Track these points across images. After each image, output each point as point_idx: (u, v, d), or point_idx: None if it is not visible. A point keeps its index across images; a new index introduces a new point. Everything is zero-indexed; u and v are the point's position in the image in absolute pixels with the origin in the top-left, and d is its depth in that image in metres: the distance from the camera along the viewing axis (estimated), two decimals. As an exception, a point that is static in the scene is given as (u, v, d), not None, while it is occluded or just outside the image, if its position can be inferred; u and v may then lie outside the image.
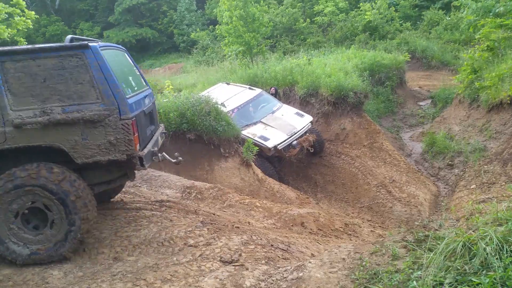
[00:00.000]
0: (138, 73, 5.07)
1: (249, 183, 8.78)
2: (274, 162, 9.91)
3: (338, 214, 8.41)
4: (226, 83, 12.22)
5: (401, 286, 2.63)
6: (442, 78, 16.81)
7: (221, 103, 10.09)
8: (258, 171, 9.39)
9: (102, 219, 4.57)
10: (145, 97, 4.61)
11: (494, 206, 3.09)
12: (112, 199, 5.55)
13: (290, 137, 9.41)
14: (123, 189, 6.82)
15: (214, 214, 5.73)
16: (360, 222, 7.60)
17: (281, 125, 9.73)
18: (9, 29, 11.20)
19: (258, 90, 10.99)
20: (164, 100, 8.90)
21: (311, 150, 9.94)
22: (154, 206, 5.60)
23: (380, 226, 7.75)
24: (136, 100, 4.10)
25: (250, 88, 11.15)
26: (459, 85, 11.96)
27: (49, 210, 3.56)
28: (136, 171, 4.64)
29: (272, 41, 22.07)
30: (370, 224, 7.66)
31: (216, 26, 19.19)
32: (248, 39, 15.64)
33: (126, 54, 4.96)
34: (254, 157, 8.94)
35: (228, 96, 10.79)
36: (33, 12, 11.23)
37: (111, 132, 3.64)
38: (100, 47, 3.86)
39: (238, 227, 4.79)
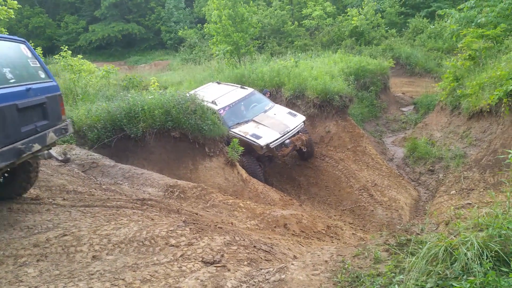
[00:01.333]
0: (35, 65, 4.68)
1: (233, 183, 8.73)
2: (264, 161, 9.81)
3: (321, 216, 8.43)
4: (217, 82, 12.11)
5: (383, 290, 2.64)
6: (425, 85, 17.12)
7: (212, 101, 10.06)
8: (243, 172, 9.35)
9: (81, 217, 4.46)
10: (27, 90, 4.22)
11: (475, 212, 3.13)
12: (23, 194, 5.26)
13: (282, 136, 9.29)
14: (104, 187, 6.71)
15: (197, 214, 5.67)
16: (342, 225, 7.64)
17: (273, 123, 9.61)
18: (-11, 18, 10.87)
19: (250, 89, 10.94)
20: (149, 97, 8.78)
21: (304, 149, 9.87)
22: (135, 205, 5.51)
23: (361, 229, 7.81)
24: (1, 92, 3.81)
25: (242, 87, 11.08)
26: (441, 92, 12.20)
27: None
28: None
29: (260, 42, 22.11)
30: (351, 227, 7.70)
31: (204, 25, 19.09)
32: (237, 39, 15.60)
33: (23, 46, 4.60)
34: (241, 156, 8.87)
35: (219, 94, 10.70)
36: (15, 2, 10.91)
37: None
38: None
39: (221, 228, 4.75)
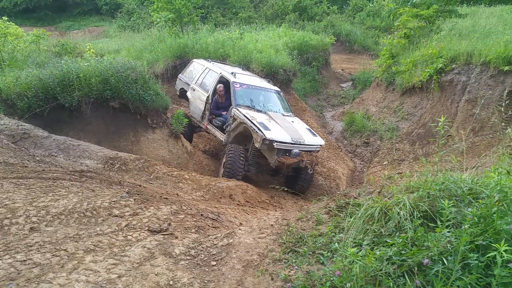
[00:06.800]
0: None
1: (178, 155, 8.62)
2: (255, 162, 8.30)
3: (264, 187, 8.67)
4: (242, 68, 10.73)
5: (324, 248, 2.82)
6: (362, 62, 17.88)
7: (232, 72, 9.16)
8: (187, 144, 9.24)
9: (15, 189, 4.17)
10: None
11: (407, 177, 3.42)
12: None
13: (293, 143, 7.65)
14: (37, 159, 6.29)
15: (140, 186, 5.55)
16: (285, 194, 7.92)
17: (287, 127, 8.08)
18: None
19: (276, 88, 9.88)
20: (85, 64, 8.25)
21: (311, 171, 8.33)
22: (73, 176, 5.25)
23: (302, 198, 8.15)
24: None
25: (268, 81, 10.14)
26: (378, 69, 12.85)
27: None
28: None
29: (203, 11, 21.48)
30: (293, 196, 8.01)
31: (144, -10, 18.15)
32: (179, 6, 15.00)
33: None
34: (231, 142, 8.16)
35: (243, 74, 9.72)
36: None
37: None
38: None
39: (166, 198, 4.71)
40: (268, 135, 7.42)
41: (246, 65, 11.77)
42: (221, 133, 8.73)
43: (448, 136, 9.49)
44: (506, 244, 2.03)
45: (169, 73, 13.24)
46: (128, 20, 27.20)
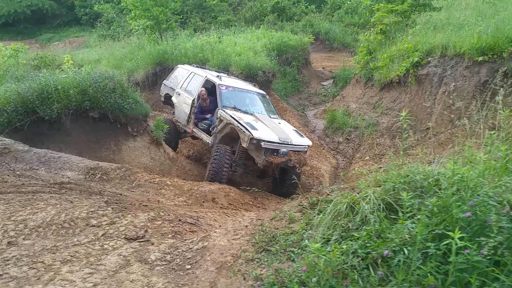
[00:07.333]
0: None
1: (160, 162, 8.63)
2: (240, 163, 8.12)
3: (248, 188, 8.71)
4: (227, 73, 10.65)
5: (295, 245, 2.90)
6: (342, 59, 18.08)
7: (218, 75, 9.23)
8: (169, 150, 9.25)
9: (-9, 205, 4.16)
10: None
11: (375, 171, 3.51)
12: None
13: (281, 143, 7.63)
14: (18, 173, 6.25)
15: (121, 195, 5.56)
16: (268, 195, 7.99)
17: (274, 128, 8.08)
18: None
19: (262, 92, 9.94)
20: (63, 76, 8.22)
21: (299, 170, 8.08)
22: (52, 189, 5.24)
23: (286, 198, 8.21)
24: None
25: (254, 85, 10.16)
26: (356, 65, 13.01)
27: None
28: None
29: (182, 17, 21.47)
30: (277, 197, 8.08)
31: (122, -2, 18.02)
32: (157, 13, 14.98)
33: None
34: (219, 142, 8.01)
35: (228, 78, 9.77)
36: None
37: None
38: None
39: (146, 206, 4.73)
40: (256, 134, 7.37)
41: (225, 69, 11.82)
42: (207, 135, 8.69)
43: (426, 128, 9.71)
44: (460, 232, 2.12)
45: (150, 80, 13.23)
46: (108, 29, 27.04)
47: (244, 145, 7.50)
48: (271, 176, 8.63)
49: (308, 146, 8.29)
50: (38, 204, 4.35)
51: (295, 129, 8.88)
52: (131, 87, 8.64)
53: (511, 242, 2.19)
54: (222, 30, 17.44)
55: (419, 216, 2.38)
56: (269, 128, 7.92)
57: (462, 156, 3.23)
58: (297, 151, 8.00)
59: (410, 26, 12.23)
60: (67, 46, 28.51)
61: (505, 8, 11.09)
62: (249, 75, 11.56)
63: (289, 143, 7.78)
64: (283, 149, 7.66)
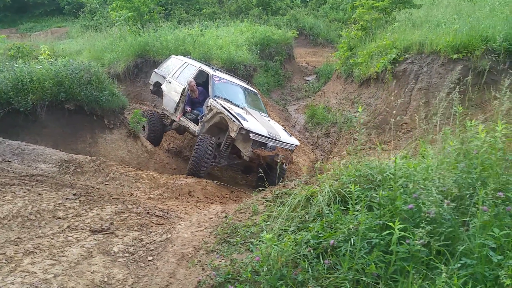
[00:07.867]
0: None
1: (137, 155, 8.60)
2: (225, 154, 8.04)
3: (227, 182, 8.78)
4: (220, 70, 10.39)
5: (255, 237, 2.97)
6: (326, 55, 18.17)
7: (211, 67, 9.25)
8: (147, 143, 9.22)
9: (-44, 197, 4.13)
10: None
11: (335, 164, 3.61)
12: None
13: (269, 137, 7.67)
14: (-12, 165, 6.18)
15: (93, 187, 5.54)
16: (245, 188, 8.07)
17: (264, 123, 8.12)
18: None
19: (255, 90, 10.00)
20: (38, 67, 8.10)
21: (286, 165, 8.09)
22: (23, 181, 5.20)
23: (263, 191, 8.29)
24: None
25: (247, 83, 10.07)
26: (338, 61, 13.13)
27: None
28: None
29: (165, 8, 21.25)
30: (254, 189, 8.15)
31: (104, -11, 17.79)
32: (138, 4, 14.82)
33: None
34: (205, 132, 7.90)
35: (222, 73, 9.61)
36: None
37: None
38: None
39: (116, 198, 4.75)
40: (245, 124, 7.34)
41: (207, 62, 11.80)
42: (195, 124, 8.60)
43: (403, 124, 9.90)
44: (400, 223, 2.23)
45: (131, 72, 13.11)
46: (91, 19, 26.58)
47: (233, 134, 7.43)
48: (255, 171, 8.47)
49: (296, 146, 8.33)
50: (5, 196, 4.33)
51: (283, 128, 9.00)
52: (108, 79, 8.56)
53: (450, 232, 2.30)
54: (206, 23, 17.34)
55: (358, 207, 2.47)
56: (259, 122, 7.93)
57: (415, 151, 3.34)
58: (285, 148, 8.00)
59: (390, 23, 12.38)
60: (49, 37, 27.94)
61: (483, 7, 11.31)
62: (230, 69, 11.57)
63: (278, 139, 7.81)
64: (271, 143, 7.68)
